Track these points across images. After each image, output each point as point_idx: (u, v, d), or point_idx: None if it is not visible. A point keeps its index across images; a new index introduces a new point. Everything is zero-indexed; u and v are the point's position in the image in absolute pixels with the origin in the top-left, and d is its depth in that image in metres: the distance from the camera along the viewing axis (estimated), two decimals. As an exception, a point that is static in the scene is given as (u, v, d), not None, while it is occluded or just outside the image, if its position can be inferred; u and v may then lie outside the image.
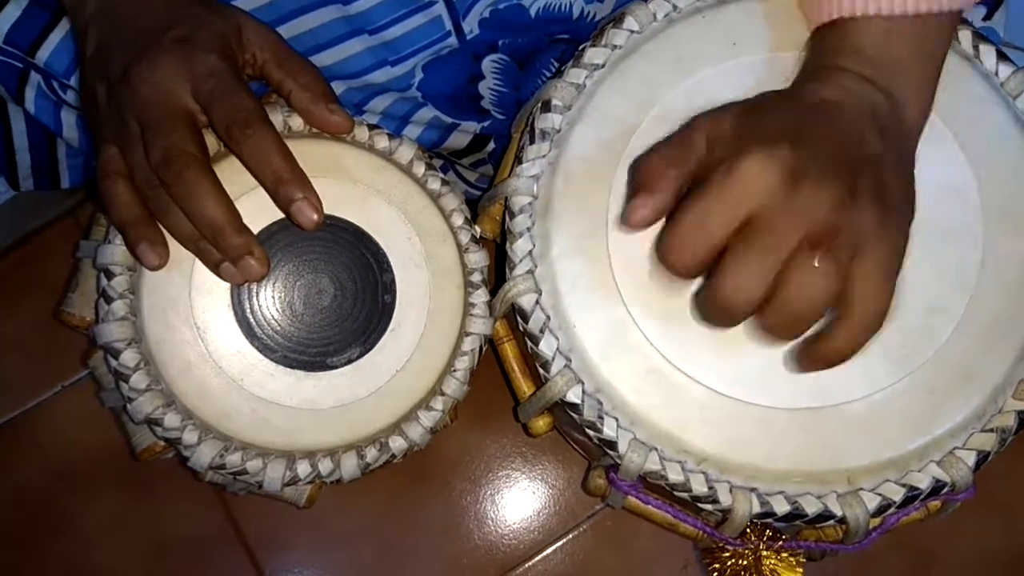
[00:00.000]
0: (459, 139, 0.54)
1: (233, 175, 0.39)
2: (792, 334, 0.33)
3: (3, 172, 0.57)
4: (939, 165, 0.41)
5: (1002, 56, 0.43)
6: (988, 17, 0.50)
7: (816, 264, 0.32)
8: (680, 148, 0.34)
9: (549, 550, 0.63)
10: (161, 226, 0.39)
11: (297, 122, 0.43)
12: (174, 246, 0.40)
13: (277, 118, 0.42)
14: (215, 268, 0.39)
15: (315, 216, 0.39)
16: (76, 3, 0.42)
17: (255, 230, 0.41)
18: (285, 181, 0.38)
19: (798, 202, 0.32)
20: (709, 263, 0.33)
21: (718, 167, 0.33)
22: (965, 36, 0.43)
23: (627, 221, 0.34)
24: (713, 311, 0.33)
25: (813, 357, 0.34)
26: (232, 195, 0.39)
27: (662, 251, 0.33)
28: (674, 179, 0.34)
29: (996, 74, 0.42)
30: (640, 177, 0.34)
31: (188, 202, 0.37)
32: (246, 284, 0.41)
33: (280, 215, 0.40)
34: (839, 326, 0.33)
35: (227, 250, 0.38)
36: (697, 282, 0.40)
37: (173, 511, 0.63)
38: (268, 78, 0.42)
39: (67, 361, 0.64)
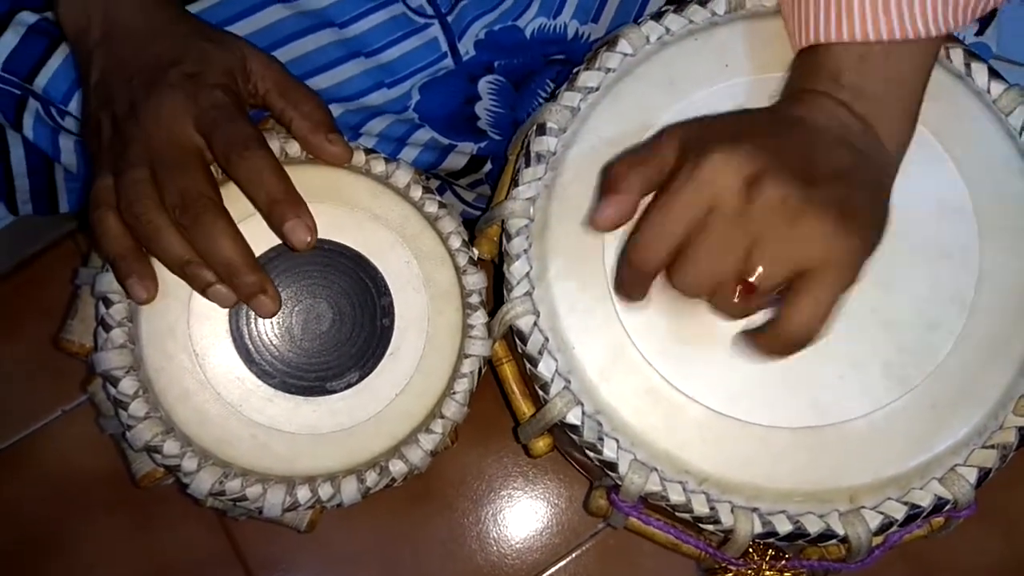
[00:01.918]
0: (456, 160, 0.55)
1: (230, 203, 0.40)
2: (730, 316, 0.35)
3: (2, 198, 0.57)
4: (934, 183, 0.41)
5: (994, 73, 0.43)
6: (980, 32, 0.50)
7: (760, 270, 0.33)
8: (648, 153, 0.35)
9: (552, 569, 0.63)
10: (149, 252, 0.39)
11: (294, 148, 0.43)
12: (167, 277, 0.40)
13: (274, 144, 0.42)
14: (203, 291, 0.39)
15: (307, 237, 0.39)
16: (79, 30, 0.42)
17: (253, 256, 0.41)
18: (279, 202, 0.39)
19: (753, 203, 0.33)
20: (671, 259, 0.34)
21: (682, 168, 0.34)
22: (957, 54, 0.43)
23: (592, 222, 0.35)
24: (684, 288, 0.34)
25: (753, 345, 0.36)
26: (229, 222, 0.39)
27: (629, 250, 0.34)
28: (640, 181, 0.35)
29: (988, 91, 0.43)
30: (608, 179, 0.35)
31: (205, 242, 0.38)
32: (244, 310, 0.41)
33: (277, 240, 0.41)
34: (771, 328, 0.34)
35: (241, 288, 0.39)
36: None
37: (173, 535, 0.63)
38: (270, 107, 0.43)
39: (67, 386, 0.64)
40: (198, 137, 0.39)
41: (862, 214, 0.34)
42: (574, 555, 0.63)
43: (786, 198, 0.32)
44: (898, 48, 0.37)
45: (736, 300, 0.34)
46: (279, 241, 0.41)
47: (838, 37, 0.37)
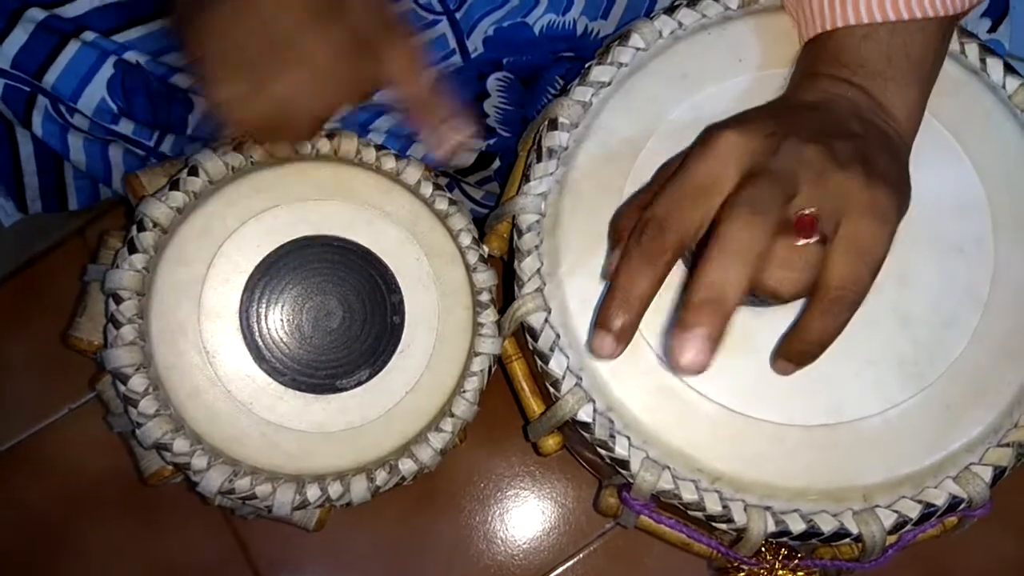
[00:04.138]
0: (464, 157, 0.54)
1: (240, 198, 0.40)
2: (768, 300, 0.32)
3: (11, 195, 0.57)
4: (949, 178, 0.41)
5: (1009, 68, 0.43)
6: (993, 29, 0.50)
7: (792, 240, 0.30)
8: (651, 192, 0.34)
9: (560, 570, 0.63)
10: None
11: (304, 145, 0.42)
12: (177, 274, 0.39)
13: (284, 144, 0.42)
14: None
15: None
16: None
17: (263, 253, 0.41)
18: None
19: (777, 160, 0.31)
20: (690, 243, 0.31)
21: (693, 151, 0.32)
22: (972, 49, 0.43)
23: (606, 272, 0.33)
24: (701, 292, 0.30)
25: (790, 354, 0.33)
26: (239, 219, 0.39)
27: (642, 227, 0.31)
28: None
29: (1004, 86, 0.42)
30: (617, 231, 0.33)
31: None
32: (255, 307, 0.41)
33: (288, 238, 0.40)
34: (810, 311, 0.32)
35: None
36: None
37: (181, 534, 0.63)
38: None
39: (75, 383, 0.64)
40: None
41: (885, 171, 0.33)
42: (582, 555, 0.63)
43: (808, 154, 0.31)
44: (902, 26, 0.37)
45: (799, 244, 0.30)
46: (287, 239, 0.41)
47: (844, 22, 0.37)
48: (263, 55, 0.36)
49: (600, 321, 0.31)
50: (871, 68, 0.37)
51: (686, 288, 0.31)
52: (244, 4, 0.36)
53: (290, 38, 0.36)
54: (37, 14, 0.46)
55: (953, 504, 0.39)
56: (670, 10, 0.43)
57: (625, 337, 0.31)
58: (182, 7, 0.37)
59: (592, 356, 0.31)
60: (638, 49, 0.43)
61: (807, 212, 0.31)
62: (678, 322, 0.29)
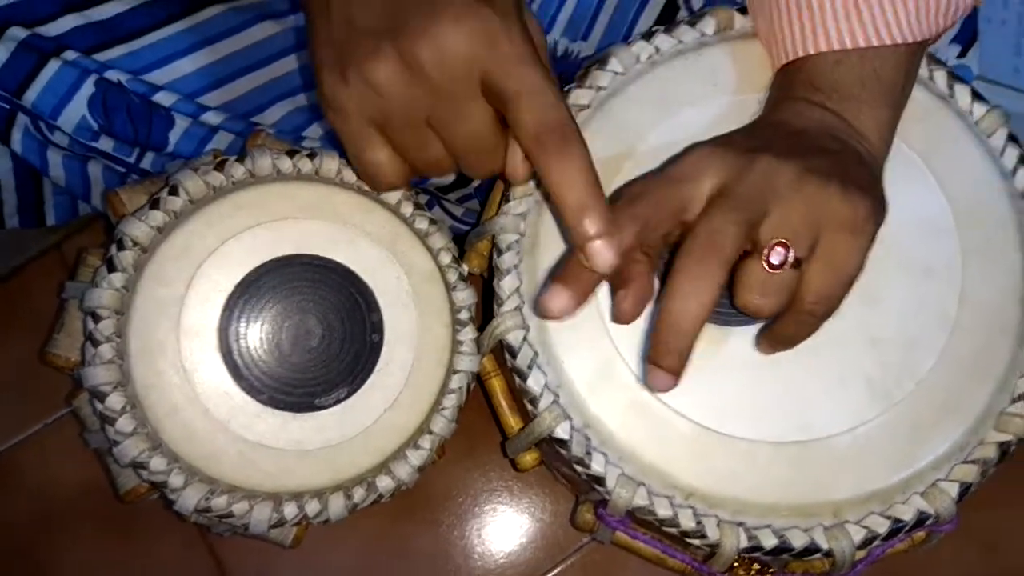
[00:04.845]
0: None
1: (220, 217, 0.40)
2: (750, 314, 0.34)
3: (-12, 210, 0.57)
4: (918, 202, 0.42)
5: (976, 95, 0.44)
6: (963, 55, 0.51)
7: (766, 267, 0.32)
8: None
9: (537, 584, 0.63)
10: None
11: (286, 164, 0.43)
12: (157, 294, 0.39)
13: (265, 160, 0.42)
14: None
15: (613, 262, 0.32)
16: None
17: (243, 272, 0.41)
18: (588, 209, 0.31)
19: (746, 178, 0.32)
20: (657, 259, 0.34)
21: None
22: (940, 76, 0.44)
23: (617, 317, 0.34)
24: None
25: (769, 340, 0.37)
26: (219, 238, 0.39)
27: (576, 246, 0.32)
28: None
29: (971, 113, 0.43)
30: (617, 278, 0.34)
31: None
32: (234, 326, 0.41)
33: (268, 257, 0.41)
34: (784, 318, 0.35)
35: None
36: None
37: (157, 550, 0.62)
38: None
39: (51, 398, 0.64)
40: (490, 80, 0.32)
41: (863, 184, 0.34)
42: (559, 569, 0.63)
43: (784, 170, 0.33)
44: (873, 51, 0.38)
45: (769, 270, 0.32)
46: (267, 258, 0.41)
47: (815, 49, 0.38)
48: (409, 119, 0.34)
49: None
50: (845, 92, 0.38)
51: (655, 315, 0.33)
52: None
53: (447, 104, 0.33)
54: (19, 32, 0.46)
55: (921, 519, 0.39)
56: (648, 35, 0.44)
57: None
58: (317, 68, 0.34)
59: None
60: (616, 73, 0.44)
61: (779, 240, 0.32)
62: (649, 351, 0.33)
